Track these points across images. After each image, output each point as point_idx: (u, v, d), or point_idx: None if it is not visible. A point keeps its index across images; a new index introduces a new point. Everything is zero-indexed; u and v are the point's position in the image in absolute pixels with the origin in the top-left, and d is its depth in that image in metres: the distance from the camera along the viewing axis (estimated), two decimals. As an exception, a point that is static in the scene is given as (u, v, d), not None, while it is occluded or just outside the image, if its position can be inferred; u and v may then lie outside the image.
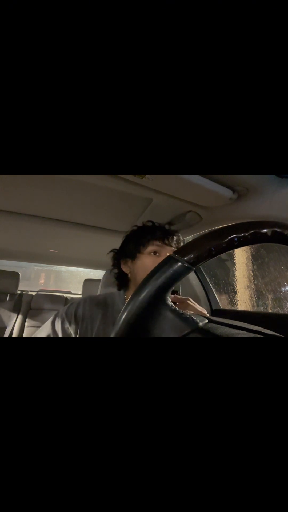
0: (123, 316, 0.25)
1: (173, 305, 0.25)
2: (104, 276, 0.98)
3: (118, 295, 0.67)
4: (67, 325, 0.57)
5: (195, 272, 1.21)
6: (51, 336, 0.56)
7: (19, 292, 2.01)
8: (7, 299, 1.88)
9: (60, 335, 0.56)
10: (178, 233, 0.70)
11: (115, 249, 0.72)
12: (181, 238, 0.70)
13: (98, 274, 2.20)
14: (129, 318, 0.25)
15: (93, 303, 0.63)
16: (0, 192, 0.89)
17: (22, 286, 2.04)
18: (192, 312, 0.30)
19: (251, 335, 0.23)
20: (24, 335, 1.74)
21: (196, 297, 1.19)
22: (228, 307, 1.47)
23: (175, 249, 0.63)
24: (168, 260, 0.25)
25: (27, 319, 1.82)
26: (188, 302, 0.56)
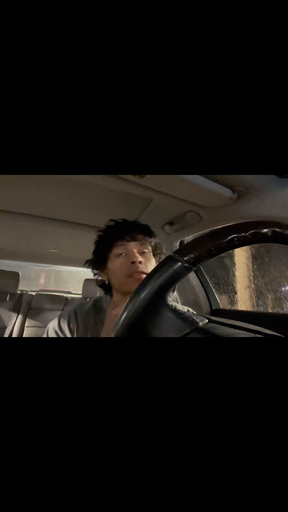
0: (123, 316, 0.25)
1: (173, 305, 0.25)
2: None
3: (105, 300, 0.66)
4: (61, 336, 0.56)
5: (195, 272, 1.20)
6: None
7: (19, 292, 2.01)
8: (7, 299, 1.88)
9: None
10: (136, 222, 0.66)
11: (89, 260, 0.69)
12: (142, 224, 0.66)
13: (98, 274, 2.19)
14: (129, 318, 0.25)
15: (83, 311, 0.62)
16: (0, 192, 0.89)
17: (22, 286, 2.04)
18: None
19: (251, 335, 0.23)
20: (24, 335, 1.74)
21: (196, 297, 1.19)
22: (228, 307, 1.48)
23: (141, 242, 0.61)
24: (168, 260, 0.25)
25: (27, 319, 1.82)
26: None
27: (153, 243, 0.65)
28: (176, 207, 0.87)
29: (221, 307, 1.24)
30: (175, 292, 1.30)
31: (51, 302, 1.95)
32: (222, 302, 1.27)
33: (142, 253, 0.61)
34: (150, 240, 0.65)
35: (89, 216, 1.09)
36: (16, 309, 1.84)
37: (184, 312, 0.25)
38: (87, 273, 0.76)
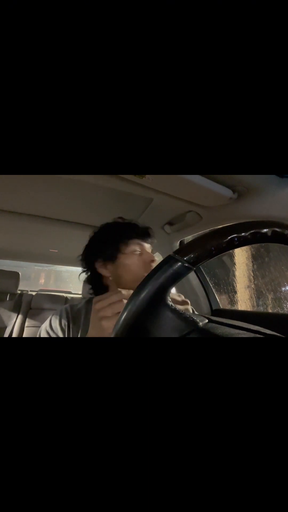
0: (123, 316, 0.25)
1: (173, 305, 0.25)
2: None
3: None
4: (53, 336, 0.56)
5: (195, 272, 1.20)
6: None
7: (19, 292, 2.01)
8: (7, 299, 1.88)
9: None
10: (149, 227, 0.67)
11: (85, 251, 0.66)
12: (152, 233, 0.68)
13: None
14: (129, 318, 0.25)
15: (74, 310, 0.61)
16: (0, 192, 0.89)
17: (22, 286, 2.04)
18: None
19: (251, 335, 0.23)
20: (24, 335, 1.74)
21: (196, 297, 1.19)
22: (228, 307, 1.47)
23: (151, 247, 0.64)
24: (168, 260, 0.25)
25: (27, 319, 1.82)
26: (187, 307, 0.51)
27: (152, 243, 0.67)
28: (176, 207, 0.87)
29: (221, 307, 1.24)
30: (175, 292, 1.30)
31: (51, 302, 1.95)
32: (222, 302, 1.27)
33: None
34: (151, 241, 0.67)
35: (89, 216, 1.09)
36: (16, 309, 1.84)
37: (185, 312, 0.25)
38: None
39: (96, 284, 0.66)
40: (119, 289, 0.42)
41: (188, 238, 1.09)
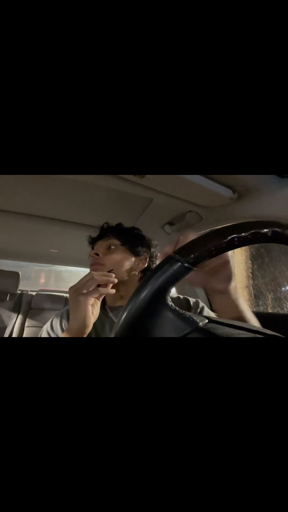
0: (123, 316, 0.25)
1: (173, 305, 0.25)
2: None
3: None
4: (54, 336, 0.57)
5: (195, 272, 1.20)
6: None
7: (19, 292, 2.01)
8: (7, 299, 1.88)
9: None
10: (107, 223, 0.75)
11: None
12: (113, 225, 0.74)
13: (98, 274, 2.17)
14: (129, 318, 0.25)
15: None
16: (0, 192, 0.89)
17: (22, 286, 2.04)
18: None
19: (251, 335, 0.23)
20: (24, 335, 1.74)
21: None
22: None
23: (107, 239, 0.68)
24: (169, 260, 0.25)
25: (27, 319, 1.82)
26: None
27: (122, 237, 0.69)
28: (176, 207, 0.87)
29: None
30: (175, 292, 1.30)
31: (51, 302, 1.95)
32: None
33: (107, 248, 0.67)
34: (118, 235, 0.70)
35: (89, 216, 1.09)
36: (16, 309, 1.84)
37: (185, 312, 0.25)
38: (87, 273, 0.77)
39: None
40: (91, 272, 0.51)
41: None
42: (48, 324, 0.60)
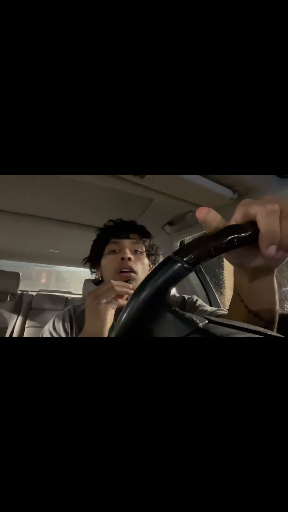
0: (123, 317, 0.25)
1: (173, 306, 0.25)
2: None
3: None
4: (56, 337, 0.57)
5: (196, 272, 1.20)
6: None
7: (19, 292, 2.01)
8: (8, 299, 1.88)
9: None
10: (132, 222, 0.69)
11: (86, 258, 0.72)
12: (138, 224, 0.69)
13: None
14: (129, 319, 0.25)
15: (77, 312, 0.63)
16: (0, 192, 0.89)
17: (22, 286, 2.04)
18: None
19: (251, 335, 0.23)
20: (25, 335, 1.74)
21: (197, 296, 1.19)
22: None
23: (135, 241, 0.64)
24: (168, 261, 0.25)
25: (27, 319, 1.82)
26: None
27: (147, 243, 0.67)
28: (176, 207, 0.87)
29: (222, 307, 1.24)
30: (175, 292, 1.30)
31: (51, 302, 1.95)
32: (222, 302, 1.27)
33: (134, 252, 0.63)
34: (144, 240, 0.66)
35: (89, 217, 1.09)
36: (17, 309, 1.84)
37: (185, 312, 0.25)
38: (87, 273, 0.78)
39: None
40: (109, 281, 0.49)
41: (188, 239, 1.09)
42: (50, 325, 0.60)
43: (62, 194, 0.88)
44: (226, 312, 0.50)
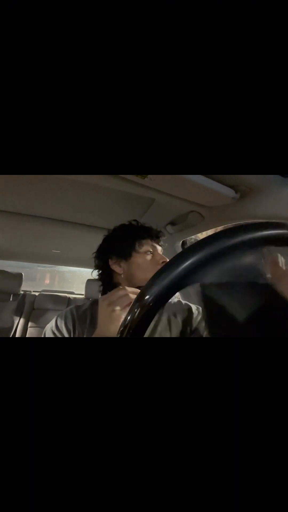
0: (128, 317, 0.24)
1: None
2: None
3: None
4: (59, 336, 0.57)
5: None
6: None
7: (22, 292, 2.02)
8: (11, 299, 1.89)
9: None
10: (159, 229, 0.72)
11: (100, 248, 0.70)
12: (163, 237, 0.72)
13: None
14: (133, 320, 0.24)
15: (80, 311, 0.63)
16: (2, 193, 0.90)
17: (25, 287, 2.05)
18: None
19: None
20: (27, 335, 1.75)
21: (200, 299, 1.18)
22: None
23: (162, 250, 0.66)
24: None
25: (30, 320, 1.83)
26: None
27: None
28: (178, 207, 0.86)
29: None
30: (178, 292, 1.29)
31: (54, 302, 1.96)
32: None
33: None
34: (162, 249, 0.70)
35: (91, 217, 1.09)
36: (19, 310, 1.85)
37: None
38: (89, 273, 0.77)
39: (107, 281, 0.69)
40: (123, 286, 0.49)
41: (191, 238, 1.09)
42: (52, 324, 0.60)
43: (64, 195, 0.88)
44: None
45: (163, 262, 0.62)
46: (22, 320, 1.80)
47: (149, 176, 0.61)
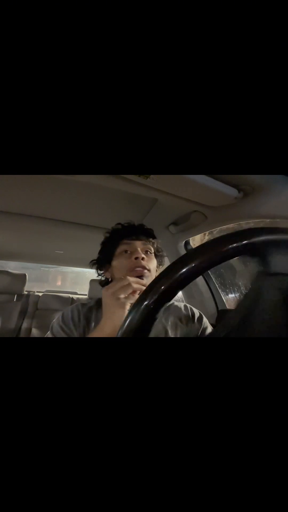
0: (129, 318, 0.25)
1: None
2: None
3: None
4: (67, 330, 0.58)
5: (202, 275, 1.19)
6: None
7: (26, 293, 2.03)
8: (15, 300, 1.90)
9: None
10: (143, 225, 0.72)
11: (94, 259, 0.74)
12: (146, 227, 0.72)
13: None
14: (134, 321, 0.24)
15: (85, 307, 0.64)
16: (6, 194, 0.90)
17: (28, 287, 2.06)
18: None
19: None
20: (31, 335, 1.75)
21: (202, 297, 1.18)
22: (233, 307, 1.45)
23: (144, 242, 0.66)
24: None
25: (34, 320, 1.84)
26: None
27: (155, 245, 0.70)
28: (181, 207, 0.86)
29: (227, 307, 1.23)
30: (181, 292, 1.29)
31: (57, 302, 1.96)
32: (228, 302, 1.26)
33: (145, 252, 0.65)
34: (152, 241, 0.69)
35: (94, 217, 1.10)
36: (23, 310, 1.86)
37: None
38: (93, 273, 0.78)
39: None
40: (126, 277, 0.51)
41: (193, 238, 1.09)
42: (59, 319, 0.60)
43: (67, 196, 0.89)
44: None
45: (136, 258, 0.61)
46: (26, 320, 1.81)
47: (151, 176, 0.61)
